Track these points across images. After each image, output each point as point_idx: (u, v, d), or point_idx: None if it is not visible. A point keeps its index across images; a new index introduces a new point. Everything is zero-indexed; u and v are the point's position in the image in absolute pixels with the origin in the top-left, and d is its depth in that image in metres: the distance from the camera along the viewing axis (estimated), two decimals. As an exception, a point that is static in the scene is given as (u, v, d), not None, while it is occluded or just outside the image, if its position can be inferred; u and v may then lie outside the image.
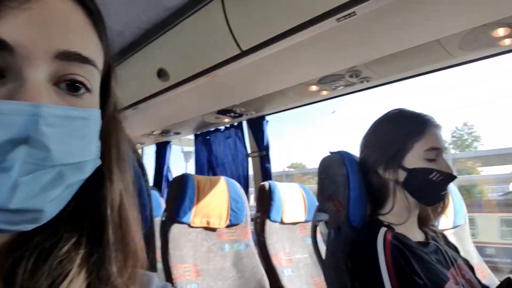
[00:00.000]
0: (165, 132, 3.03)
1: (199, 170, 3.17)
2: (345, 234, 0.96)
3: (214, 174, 3.03)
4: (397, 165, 0.91)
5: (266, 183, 1.95)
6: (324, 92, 2.01)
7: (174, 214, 1.51)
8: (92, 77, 0.34)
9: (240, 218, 1.72)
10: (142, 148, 3.62)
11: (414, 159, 0.90)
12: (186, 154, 5.30)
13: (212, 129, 3.05)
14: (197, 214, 1.57)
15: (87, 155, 0.34)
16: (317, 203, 1.10)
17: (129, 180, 0.40)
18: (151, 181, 3.38)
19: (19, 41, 0.29)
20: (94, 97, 0.35)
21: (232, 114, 2.53)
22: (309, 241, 1.90)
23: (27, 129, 0.28)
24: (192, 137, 3.27)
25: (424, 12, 1.23)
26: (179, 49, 1.65)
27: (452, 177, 0.90)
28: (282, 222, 1.92)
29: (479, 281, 0.96)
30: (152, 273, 0.45)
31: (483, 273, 1.62)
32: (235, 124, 2.87)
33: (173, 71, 1.74)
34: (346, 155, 1.03)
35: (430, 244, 0.93)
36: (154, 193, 2.44)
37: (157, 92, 1.89)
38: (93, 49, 0.35)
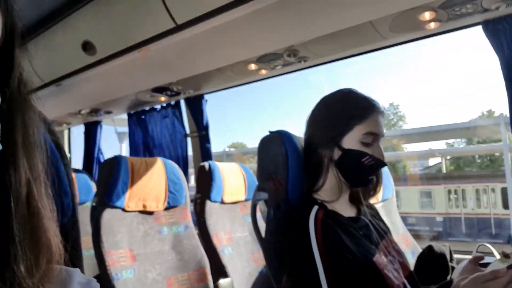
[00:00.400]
0: (94, 111, 2.82)
1: (134, 151, 3.02)
2: (284, 212, 0.97)
3: (151, 155, 2.91)
4: (334, 144, 0.93)
5: (206, 163, 1.91)
6: (263, 71, 2.00)
7: (106, 198, 1.42)
8: None
9: (179, 200, 1.67)
10: (69, 129, 3.33)
11: (352, 140, 0.92)
12: (121, 135, 5.02)
13: (148, 108, 2.90)
14: (132, 198, 1.49)
15: None
16: (257, 182, 1.11)
17: (39, 166, 0.35)
18: (80, 164, 3.15)
19: None
20: None
21: (169, 93, 2.42)
22: (249, 219, 1.92)
23: None
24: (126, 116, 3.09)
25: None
26: (107, 20, 1.51)
27: (382, 164, 0.93)
28: (222, 202, 1.91)
29: None
30: (73, 269, 0.41)
31: (408, 242, 1.78)
32: (172, 103, 2.77)
33: (100, 44, 1.59)
34: (286, 135, 1.03)
35: (360, 219, 0.98)
36: (84, 177, 2.27)
37: (83, 67, 1.73)
38: None
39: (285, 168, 0.99)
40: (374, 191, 1.06)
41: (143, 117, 2.96)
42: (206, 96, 2.62)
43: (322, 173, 0.97)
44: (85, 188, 2.22)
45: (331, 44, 1.71)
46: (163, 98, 2.56)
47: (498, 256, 1.20)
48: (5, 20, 0.32)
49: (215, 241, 1.77)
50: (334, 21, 1.46)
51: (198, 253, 1.63)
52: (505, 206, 11.07)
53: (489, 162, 21.50)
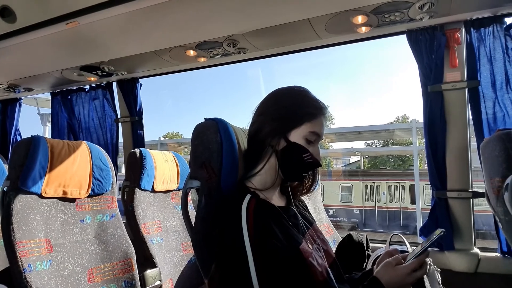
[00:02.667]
0: (12, 86, 2.51)
1: (57, 133, 2.78)
2: (216, 200, 0.97)
3: (77, 139, 2.69)
4: (282, 135, 0.96)
5: (137, 150, 1.82)
6: (202, 59, 1.97)
7: (20, 183, 1.28)
8: None
9: (105, 187, 1.57)
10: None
11: (298, 136, 0.96)
12: (44, 117, 4.57)
13: (75, 87, 2.67)
14: (51, 183, 1.36)
15: None
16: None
17: None
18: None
19: None
20: None
21: (99, 72, 2.26)
22: (180, 208, 1.89)
23: None
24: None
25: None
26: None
27: (318, 164, 0.99)
28: (153, 191, 1.85)
29: None
30: None
31: (330, 230, 1.90)
32: (103, 84, 2.58)
33: (21, 11, 1.42)
34: (221, 122, 1.03)
35: (290, 209, 1.03)
36: (-5, 159, 2.02)
37: (0, 36, 1.53)
38: None
39: (219, 156, 0.98)
40: (307, 190, 1.11)
41: (69, 97, 2.71)
42: (141, 80, 2.49)
43: (262, 161, 0.99)
44: (-2, 172, 1.96)
45: (270, 38, 1.74)
46: (92, 78, 2.37)
47: (409, 245, 1.35)
48: None
49: (144, 231, 1.71)
50: (274, 15, 1.49)
51: (124, 243, 1.56)
52: (413, 201, 12.46)
53: (401, 162, 23.95)
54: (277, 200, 1.03)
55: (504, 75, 1.50)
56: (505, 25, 1.49)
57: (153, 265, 1.65)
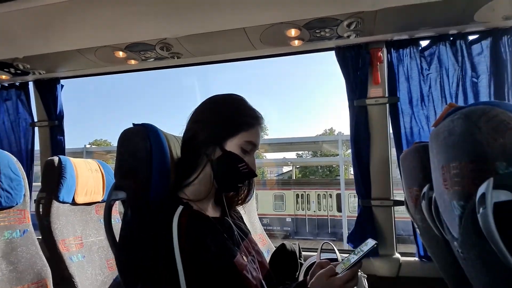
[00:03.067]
0: None
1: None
2: (144, 212, 0.90)
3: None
4: (217, 144, 0.93)
5: (55, 158, 1.65)
6: (133, 61, 1.86)
7: None
8: None
9: (15, 200, 1.39)
10: None
11: (233, 145, 0.93)
12: None
13: (-20, 86, 2.35)
14: None
15: None
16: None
17: None
18: None
19: None
20: None
21: (13, 70, 2.01)
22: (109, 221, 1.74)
23: None
24: None
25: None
26: None
27: (253, 175, 0.97)
28: (74, 203, 1.68)
29: None
30: None
31: (264, 240, 1.91)
32: (18, 84, 2.31)
33: None
34: (151, 128, 0.97)
35: (224, 220, 1.00)
36: None
37: None
38: None
39: (148, 164, 0.92)
40: (243, 200, 1.09)
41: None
42: (63, 82, 2.28)
43: (197, 170, 0.95)
44: None
45: (205, 45, 1.72)
46: (4, 77, 2.11)
47: (338, 253, 1.40)
48: None
49: (61, 248, 1.53)
50: (209, 22, 1.47)
51: (37, 262, 1.38)
52: (339, 209, 13.22)
53: (328, 172, 25.38)
54: (211, 211, 1.00)
55: (419, 93, 1.66)
56: (420, 47, 1.66)
57: (72, 285, 1.49)
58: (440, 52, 1.62)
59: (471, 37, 1.59)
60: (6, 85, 2.33)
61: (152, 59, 1.85)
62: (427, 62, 1.65)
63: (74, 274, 1.51)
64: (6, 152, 1.42)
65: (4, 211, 1.36)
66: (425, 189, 0.96)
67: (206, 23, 1.48)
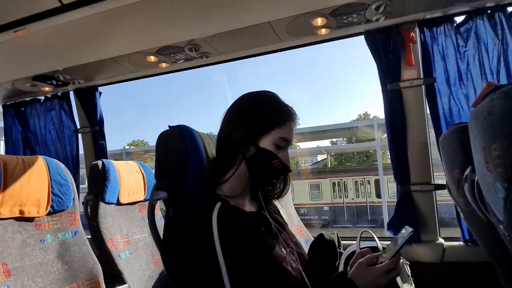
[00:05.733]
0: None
1: (11, 149, 2.60)
2: (184, 210, 0.93)
3: (33, 153, 2.53)
4: (252, 141, 0.94)
5: (99, 162, 1.74)
6: (164, 65, 1.92)
7: (-30, 205, 1.18)
8: None
9: (66, 203, 1.48)
10: None
11: (268, 141, 0.94)
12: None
13: (28, 99, 2.52)
14: (5, 203, 1.26)
15: None
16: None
17: None
18: None
19: None
20: None
21: (54, 82, 2.14)
22: (152, 220, 1.82)
23: None
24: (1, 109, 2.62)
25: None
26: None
27: (288, 170, 0.98)
28: (118, 203, 1.77)
29: None
30: None
31: (301, 231, 1.92)
32: (59, 94, 2.45)
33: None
34: (186, 130, 1.00)
35: (261, 214, 1.02)
36: None
37: None
38: None
39: (185, 165, 0.95)
40: (279, 195, 1.10)
41: (22, 109, 2.55)
42: (100, 89, 2.39)
43: (232, 167, 0.98)
44: None
45: (232, 42, 1.73)
46: (47, 88, 2.25)
47: (378, 241, 1.38)
48: None
49: (110, 246, 1.63)
50: (235, 19, 1.48)
51: (89, 260, 1.48)
52: (378, 195, 12.90)
53: (365, 158, 24.78)
54: (248, 206, 1.02)
55: (457, 72, 1.58)
56: (455, 24, 1.57)
57: (122, 281, 1.58)
58: (477, 27, 1.53)
59: (510, 8, 1.49)
60: (49, 96, 2.48)
61: (181, 61, 1.90)
62: (463, 39, 1.56)
63: (123, 271, 1.60)
64: (54, 159, 1.52)
65: (57, 214, 1.46)
66: (467, 171, 0.92)
67: (232, 21, 1.49)
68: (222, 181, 0.98)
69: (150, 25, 1.45)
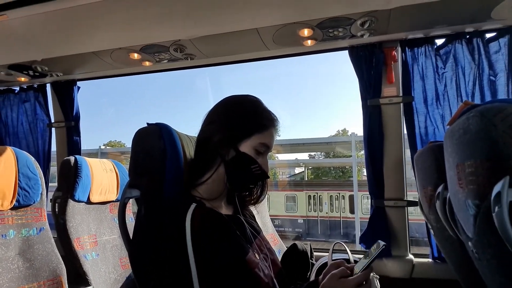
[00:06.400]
0: None
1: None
2: (158, 210, 0.91)
3: (3, 145, 2.42)
4: (232, 145, 0.93)
5: (72, 158, 1.68)
6: (147, 63, 1.89)
7: None
8: None
9: (33, 198, 1.42)
10: None
11: (247, 146, 0.94)
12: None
13: (2, 88, 2.42)
14: (-34, 194, 1.20)
15: None
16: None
17: None
18: None
19: None
20: None
21: (31, 73, 2.06)
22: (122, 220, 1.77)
23: None
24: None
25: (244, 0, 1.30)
26: None
27: (266, 176, 0.98)
28: (89, 202, 1.71)
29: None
30: None
31: (275, 240, 1.91)
32: (36, 85, 2.37)
33: None
34: (165, 128, 0.98)
35: (236, 218, 1.00)
36: None
37: None
38: None
39: (162, 163, 0.93)
40: (256, 200, 1.09)
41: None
42: (79, 83, 2.32)
43: (210, 170, 0.96)
44: None
45: (218, 46, 1.73)
46: (23, 79, 2.16)
47: (350, 253, 1.39)
48: None
49: (76, 246, 1.56)
50: (222, 22, 1.48)
51: (53, 259, 1.42)
52: (352, 211, 13.08)
53: (341, 173, 25.16)
54: (224, 209, 1.01)
55: (434, 92, 1.63)
56: (435, 46, 1.63)
57: (86, 283, 1.52)
58: (456, 51, 1.59)
59: (488, 35, 1.56)
60: (25, 87, 2.39)
61: (166, 61, 1.87)
62: (442, 61, 1.62)
63: (88, 272, 1.54)
64: (24, 152, 1.46)
65: (22, 209, 1.40)
66: (439, 188, 0.95)
67: (220, 24, 1.49)
68: (199, 182, 0.97)
69: (136, 21, 1.43)
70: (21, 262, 1.33)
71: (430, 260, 1.69)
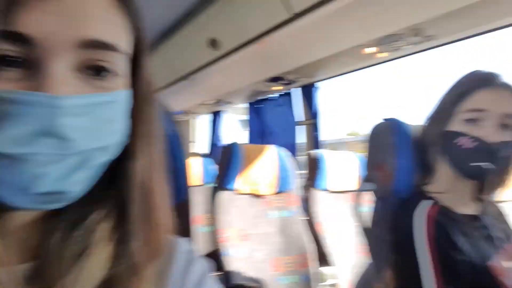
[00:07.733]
0: (217, 101, 3.08)
1: (252, 138, 3.20)
2: (391, 204, 0.91)
3: (266, 143, 3.05)
4: (442, 129, 0.83)
5: (313, 152, 1.93)
6: (384, 54, 1.85)
7: (223, 181, 1.57)
8: (117, 61, 0.34)
9: (288, 186, 1.73)
10: (198, 117, 3.74)
11: (456, 122, 0.80)
12: (243, 123, 5.37)
13: (264, 97, 3.04)
14: (244, 182, 1.61)
15: (113, 137, 0.34)
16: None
17: (157, 154, 0.40)
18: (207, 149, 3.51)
19: (38, 33, 0.28)
20: (121, 78, 0.35)
21: (283, 82, 2.48)
22: (362, 210, 1.86)
23: (48, 121, 0.28)
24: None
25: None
26: (230, 18, 1.64)
27: (501, 147, 0.74)
28: (330, 191, 1.89)
29: None
30: (180, 238, 0.45)
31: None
32: (285, 92, 2.83)
33: (224, 40, 1.73)
34: (397, 123, 0.96)
35: (480, 218, 0.85)
36: (209, 161, 2.50)
37: (209, 62, 1.91)
38: (116, 32, 0.34)
39: (393, 158, 0.92)
40: (498, 184, 0.85)
41: (259, 106, 3.12)
42: (321, 84, 2.59)
43: (433, 162, 0.88)
44: (208, 172, 2.44)
45: (459, 22, 1.49)
46: (277, 88, 2.64)
47: None
48: (135, 33, 0.37)
49: (318, 229, 1.77)
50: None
51: (302, 238, 1.67)
52: None
53: None
54: (463, 206, 0.86)
55: None
56: None
57: (329, 263, 1.70)
58: None
59: None
60: (277, 95, 2.90)
61: (402, 48, 1.76)
62: None
63: (330, 253, 1.72)
64: (281, 148, 1.79)
65: (281, 194, 1.72)
66: None
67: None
68: (428, 179, 0.89)
69: (368, 17, 1.43)
70: (279, 237, 1.65)
71: None
